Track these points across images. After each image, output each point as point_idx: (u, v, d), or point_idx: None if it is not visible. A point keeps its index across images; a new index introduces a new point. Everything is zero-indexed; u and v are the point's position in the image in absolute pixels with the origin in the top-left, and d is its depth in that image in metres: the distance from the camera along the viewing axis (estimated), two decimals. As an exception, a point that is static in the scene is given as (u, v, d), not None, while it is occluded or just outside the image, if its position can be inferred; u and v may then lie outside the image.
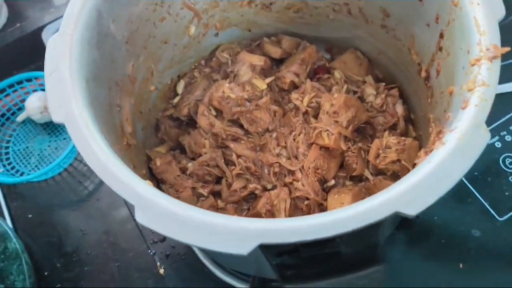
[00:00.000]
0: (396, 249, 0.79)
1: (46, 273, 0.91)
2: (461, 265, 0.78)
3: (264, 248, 0.41)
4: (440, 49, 0.59)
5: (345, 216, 0.41)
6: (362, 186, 0.70)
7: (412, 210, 0.41)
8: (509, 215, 0.81)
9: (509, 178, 0.84)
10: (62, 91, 0.49)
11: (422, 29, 0.63)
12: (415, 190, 0.42)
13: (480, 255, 0.79)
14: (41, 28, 1.11)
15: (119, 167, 0.46)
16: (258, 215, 0.67)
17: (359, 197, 0.68)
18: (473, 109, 0.45)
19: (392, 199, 0.41)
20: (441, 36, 0.58)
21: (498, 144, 0.88)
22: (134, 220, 0.91)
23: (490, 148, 0.88)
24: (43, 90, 1.08)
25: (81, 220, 0.97)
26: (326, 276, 0.43)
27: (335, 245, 0.43)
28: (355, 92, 0.77)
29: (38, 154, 1.05)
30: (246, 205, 0.71)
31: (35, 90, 1.08)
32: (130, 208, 0.92)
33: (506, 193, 0.83)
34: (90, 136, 0.47)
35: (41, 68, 1.16)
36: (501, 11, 0.51)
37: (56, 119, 0.48)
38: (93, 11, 0.56)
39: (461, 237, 0.81)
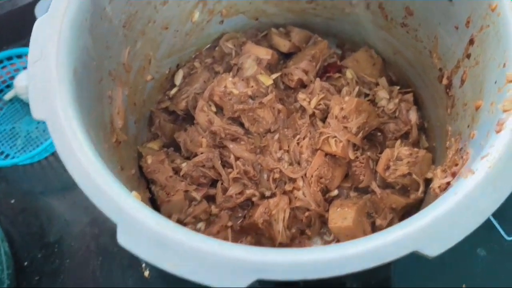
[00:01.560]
0: (394, 266, 0.74)
1: (25, 264, 0.86)
2: (464, 286, 0.73)
3: (262, 281, 0.36)
4: (468, 56, 0.54)
5: (355, 253, 0.36)
6: (368, 199, 0.65)
7: (432, 250, 0.36)
8: (517, 233, 0.77)
9: (520, 194, 0.79)
10: (46, 84, 0.44)
11: (448, 31, 0.57)
12: (438, 226, 0.37)
13: (485, 277, 0.74)
14: (34, 2, 1.04)
15: (102, 175, 0.40)
16: (254, 224, 0.62)
17: (363, 212, 0.63)
18: (508, 134, 0.40)
19: (411, 236, 0.36)
20: (471, 42, 0.52)
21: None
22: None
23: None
24: (34, 67, 1.02)
25: (65, 209, 0.92)
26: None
27: (342, 280, 0.38)
28: (366, 95, 0.72)
29: (25, 136, 1.00)
30: (242, 212, 0.66)
31: (25, 68, 1.02)
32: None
33: (516, 211, 0.79)
34: (74, 138, 0.41)
35: (32, 44, 1.10)
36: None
37: (37, 115, 0.42)
38: (87, -9, 0.50)
39: (466, 256, 0.76)
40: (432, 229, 0.36)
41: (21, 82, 1.00)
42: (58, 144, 0.41)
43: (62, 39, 0.47)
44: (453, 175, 0.48)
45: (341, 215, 0.61)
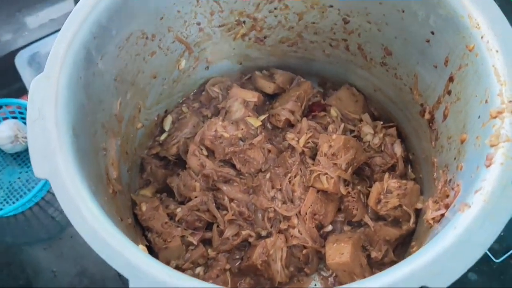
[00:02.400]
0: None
1: (13, 320, 0.84)
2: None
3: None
4: (449, 92, 0.56)
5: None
6: (362, 233, 0.66)
7: (439, 283, 0.37)
8: (504, 256, 0.79)
9: (504, 218, 0.82)
10: (46, 143, 0.44)
11: (428, 70, 0.60)
12: (442, 260, 0.38)
13: (477, 300, 0.76)
14: (14, 52, 1.04)
15: (109, 231, 0.40)
16: (253, 266, 0.62)
17: (359, 245, 0.64)
18: (498, 168, 0.42)
19: (418, 271, 0.38)
20: (451, 79, 0.55)
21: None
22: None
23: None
24: (15, 117, 1.01)
25: (52, 260, 0.89)
26: None
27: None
28: (351, 131, 0.74)
29: (7, 187, 0.98)
30: (239, 254, 0.66)
31: (5, 118, 1.00)
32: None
33: (502, 233, 0.81)
34: (78, 196, 0.42)
35: (12, 95, 1.09)
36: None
37: (40, 174, 0.43)
38: (81, 50, 0.51)
39: (458, 281, 0.78)
40: (438, 264, 0.38)
41: (1, 133, 0.98)
42: (64, 204, 0.42)
43: (59, 99, 0.48)
44: (446, 206, 0.50)
45: (338, 251, 0.62)
